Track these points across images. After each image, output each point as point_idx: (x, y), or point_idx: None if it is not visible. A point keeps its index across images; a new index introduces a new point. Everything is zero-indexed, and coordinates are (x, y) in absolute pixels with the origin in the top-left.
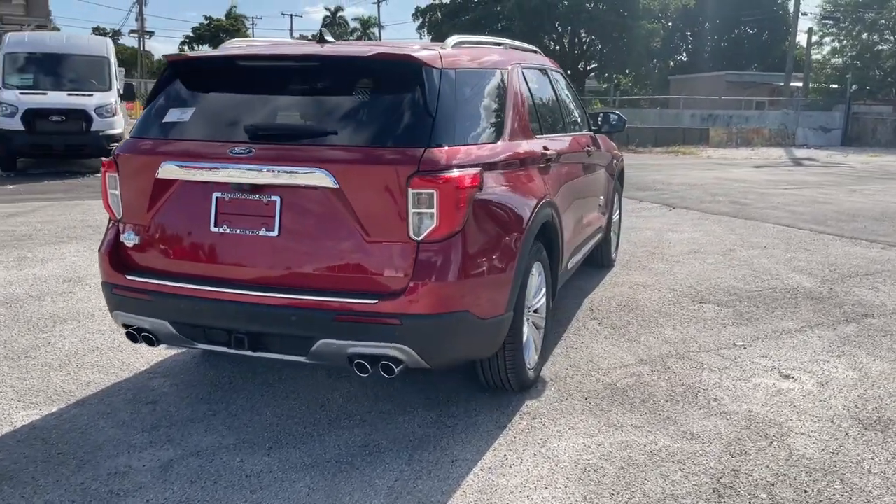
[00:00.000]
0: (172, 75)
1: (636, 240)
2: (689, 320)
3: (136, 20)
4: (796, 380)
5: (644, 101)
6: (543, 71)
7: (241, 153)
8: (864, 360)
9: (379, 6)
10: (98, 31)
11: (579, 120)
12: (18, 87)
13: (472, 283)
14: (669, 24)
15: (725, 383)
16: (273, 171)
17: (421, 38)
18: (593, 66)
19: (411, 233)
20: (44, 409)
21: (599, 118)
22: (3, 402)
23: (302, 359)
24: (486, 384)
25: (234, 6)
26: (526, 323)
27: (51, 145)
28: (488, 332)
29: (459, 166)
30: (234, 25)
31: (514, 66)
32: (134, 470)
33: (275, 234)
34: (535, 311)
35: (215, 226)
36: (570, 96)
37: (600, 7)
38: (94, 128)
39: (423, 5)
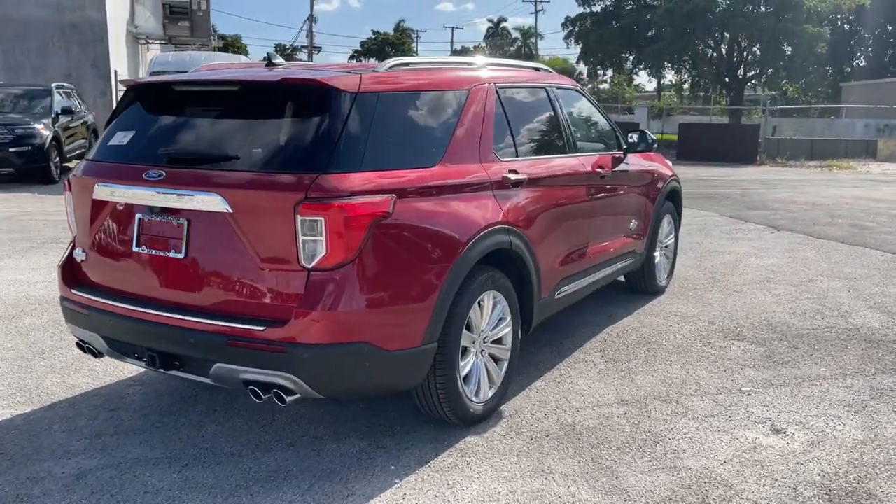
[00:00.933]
0: (126, 99)
1: (709, 265)
2: (705, 359)
3: (307, 37)
4: (786, 435)
5: (813, 111)
6: (537, 90)
7: (154, 176)
8: (884, 419)
9: (536, 17)
10: (279, 48)
11: (596, 139)
12: None
13: (370, 314)
14: (846, 26)
15: (698, 434)
16: (177, 194)
17: (568, 48)
18: (753, 73)
19: (302, 260)
20: (19, 409)
21: (634, 137)
22: None
23: (207, 380)
24: (425, 414)
25: (402, 20)
26: (472, 354)
27: None
28: (399, 365)
29: (359, 193)
30: (399, 39)
31: (479, 86)
32: (51, 476)
33: (182, 256)
34: (496, 342)
35: (136, 246)
36: (582, 116)
37: (759, 10)
38: None
39: (573, 15)
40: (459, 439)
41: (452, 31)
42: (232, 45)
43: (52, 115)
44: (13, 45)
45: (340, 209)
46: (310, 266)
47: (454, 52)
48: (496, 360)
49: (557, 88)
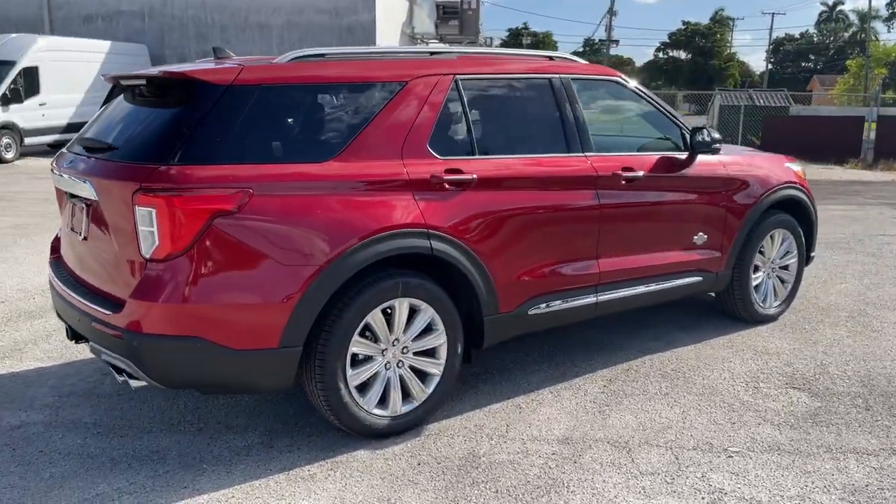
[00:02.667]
0: (108, 93)
1: (870, 293)
2: (727, 406)
3: (605, 31)
4: None
5: None
6: (533, 82)
7: (66, 163)
8: None
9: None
10: (587, 43)
11: (639, 138)
12: None
13: (204, 310)
14: None
15: (606, 492)
16: (72, 181)
17: None
18: None
19: (141, 250)
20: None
21: (700, 137)
22: None
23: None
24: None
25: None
26: (378, 364)
27: None
28: (251, 364)
29: (198, 186)
30: (709, 29)
31: (423, 78)
32: None
33: (82, 238)
34: (424, 354)
35: (68, 227)
36: (617, 111)
37: None
38: None
39: None
40: (347, 452)
41: (772, 17)
42: (542, 42)
43: None
44: (299, 48)
45: (170, 201)
46: (147, 257)
47: (773, 42)
48: (422, 373)
49: (575, 80)
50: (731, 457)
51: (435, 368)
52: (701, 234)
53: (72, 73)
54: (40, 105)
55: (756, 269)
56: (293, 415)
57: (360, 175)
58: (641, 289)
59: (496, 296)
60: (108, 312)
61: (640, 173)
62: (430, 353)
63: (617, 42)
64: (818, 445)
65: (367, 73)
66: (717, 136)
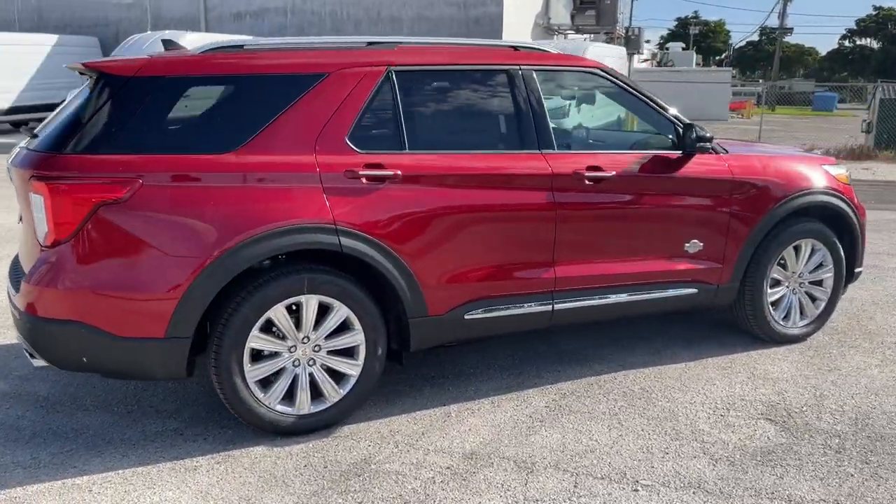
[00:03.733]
0: None
1: None
2: (674, 434)
3: (778, 17)
4: None
5: None
6: (487, 74)
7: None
8: None
9: None
10: (764, 31)
11: (622, 134)
12: None
13: (87, 297)
14: None
15: None
16: (9, 168)
17: None
18: None
19: (38, 235)
20: None
21: (692, 134)
22: None
23: None
24: None
25: None
26: (287, 360)
27: None
28: (138, 353)
29: (85, 175)
30: None
31: (350, 70)
32: None
33: (19, 223)
34: (339, 353)
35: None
36: (594, 105)
37: None
38: None
39: None
40: (246, 447)
41: None
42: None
43: None
44: None
45: (55, 189)
46: (41, 242)
47: None
48: (337, 374)
49: (539, 71)
50: (637, 490)
51: (351, 369)
52: (695, 241)
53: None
54: None
55: (776, 283)
56: (221, 405)
57: (262, 167)
58: (614, 298)
59: (423, 297)
60: (16, 295)
61: (612, 174)
62: (347, 352)
63: (790, 30)
64: (748, 488)
65: (283, 65)
66: (706, 134)
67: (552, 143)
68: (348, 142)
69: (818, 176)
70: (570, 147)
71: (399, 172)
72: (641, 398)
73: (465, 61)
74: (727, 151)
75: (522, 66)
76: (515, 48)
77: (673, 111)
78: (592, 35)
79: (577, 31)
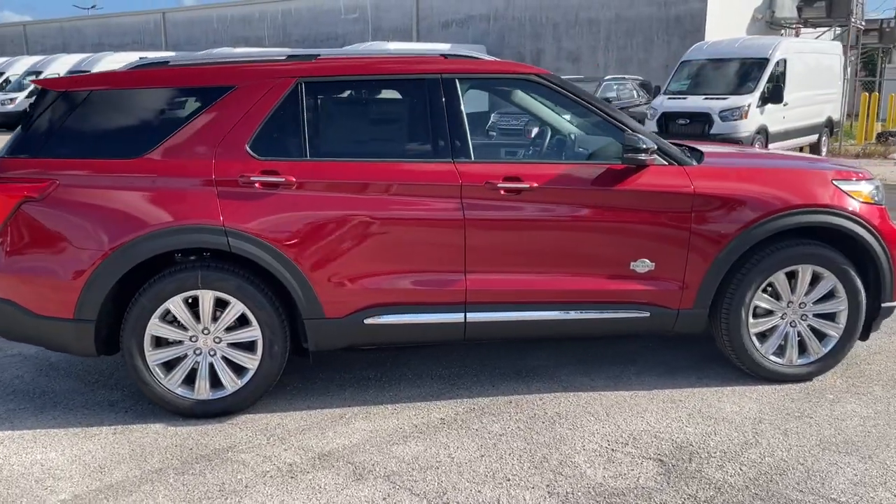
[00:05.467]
0: None
1: None
2: (526, 458)
3: None
4: None
5: None
6: (403, 83)
7: None
8: None
9: None
10: None
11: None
12: (676, 92)
13: (12, 279)
14: None
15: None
16: None
17: None
18: None
19: None
20: None
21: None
22: None
23: None
24: None
25: None
26: (186, 348)
27: None
28: (53, 330)
29: (15, 176)
30: None
31: (256, 82)
32: None
33: None
34: (238, 347)
35: None
36: (528, 114)
37: None
38: (713, 130)
39: None
40: (149, 422)
41: None
42: None
43: None
44: (625, 41)
45: None
46: None
47: None
48: (236, 366)
49: (464, 79)
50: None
51: (249, 362)
52: (644, 261)
53: None
54: None
55: (768, 312)
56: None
57: (162, 172)
58: (541, 315)
59: (318, 300)
60: None
61: (533, 185)
62: (247, 346)
63: None
64: None
65: (196, 78)
66: (643, 146)
67: (468, 152)
68: (248, 149)
69: (820, 192)
70: (499, 156)
71: (294, 179)
72: (545, 423)
73: (381, 71)
74: (696, 161)
75: (443, 75)
76: (445, 56)
77: (627, 120)
78: (824, 29)
79: (805, 24)
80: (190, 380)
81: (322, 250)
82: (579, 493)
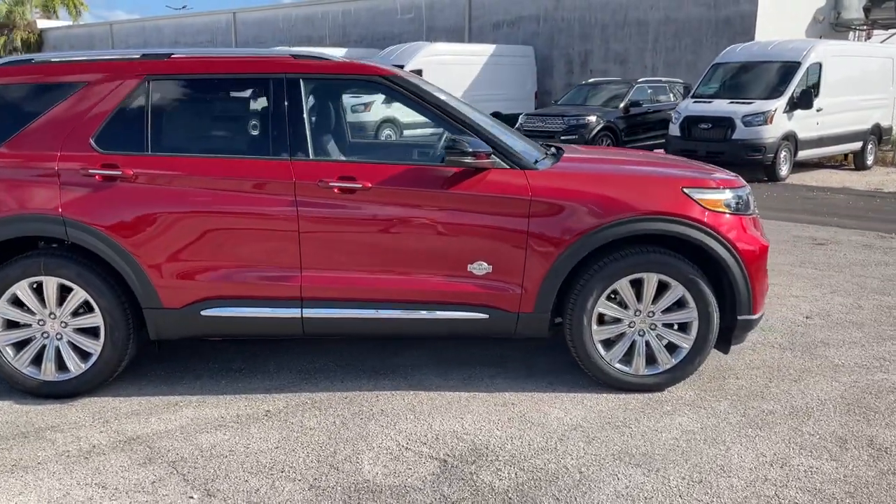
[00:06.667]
0: None
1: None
2: (318, 450)
3: None
4: None
5: None
6: (250, 82)
7: None
8: None
9: None
10: None
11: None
12: (703, 96)
13: None
14: None
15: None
16: None
17: None
18: None
19: None
20: None
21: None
22: None
23: None
24: None
25: None
26: (33, 330)
27: (696, 151)
28: None
29: None
30: None
31: (104, 80)
32: None
33: None
34: (82, 332)
35: None
36: (370, 114)
37: None
38: (735, 136)
39: None
40: (4, 399)
41: None
42: None
43: (623, 106)
44: (673, 43)
45: None
46: None
47: None
48: (82, 351)
49: (309, 80)
50: (105, 487)
51: (93, 347)
52: (481, 263)
53: (455, 74)
54: None
55: (615, 320)
56: None
57: (11, 163)
58: (378, 313)
59: (154, 290)
60: None
61: (367, 185)
62: (92, 332)
63: None
64: None
65: (51, 74)
66: (483, 149)
67: (307, 150)
68: (93, 143)
69: (662, 200)
70: (342, 156)
71: (133, 172)
72: (362, 419)
73: (228, 70)
74: (539, 165)
75: (288, 75)
76: (295, 56)
77: (476, 121)
78: (893, 31)
79: (873, 26)
80: (38, 361)
81: (158, 242)
82: (339, 488)
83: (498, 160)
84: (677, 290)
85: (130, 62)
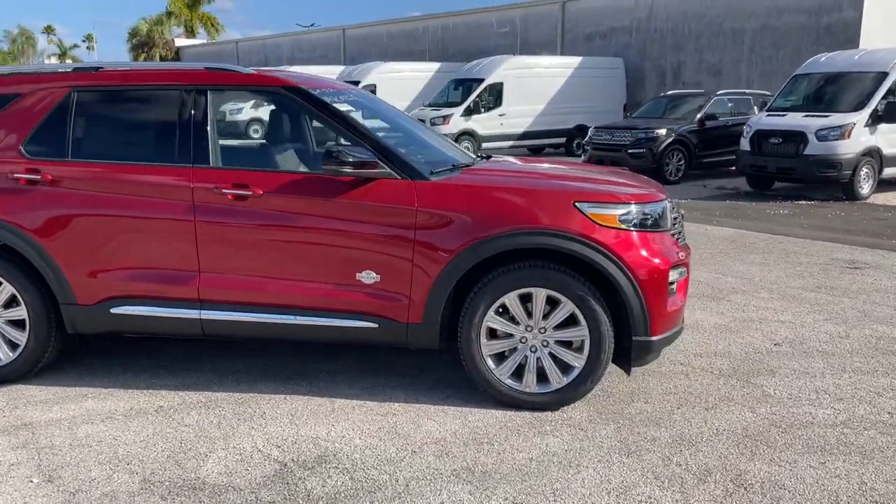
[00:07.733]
0: None
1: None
2: (178, 444)
3: None
4: None
5: None
6: (162, 92)
7: None
8: None
9: None
10: None
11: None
12: (779, 109)
13: None
14: None
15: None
16: None
17: None
18: None
19: None
20: None
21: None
22: None
23: None
24: None
25: None
26: None
27: (765, 167)
28: None
29: None
30: None
31: (38, 90)
32: None
33: None
34: (11, 323)
35: None
36: (272, 125)
37: None
38: (808, 151)
39: None
40: None
41: None
42: None
43: (699, 119)
44: (771, 52)
45: None
46: None
47: None
48: (11, 342)
49: (217, 91)
50: None
51: (19, 339)
52: (369, 272)
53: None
54: None
55: (508, 335)
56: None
57: None
58: (271, 318)
59: (69, 286)
60: None
61: (259, 192)
62: (19, 324)
63: None
64: None
65: None
66: (369, 159)
67: (208, 158)
68: (22, 150)
69: (547, 214)
70: (243, 164)
71: (52, 177)
72: (232, 420)
73: (146, 81)
74: (435, 177)
75: (197, 86)
76: (208, 69)
77: (372, 134)
78: None
79: None
80: None
81: (72, 242)
82: (167, 483)
83: (389, 170)
84: (567, 307)
85: (60, 75)
